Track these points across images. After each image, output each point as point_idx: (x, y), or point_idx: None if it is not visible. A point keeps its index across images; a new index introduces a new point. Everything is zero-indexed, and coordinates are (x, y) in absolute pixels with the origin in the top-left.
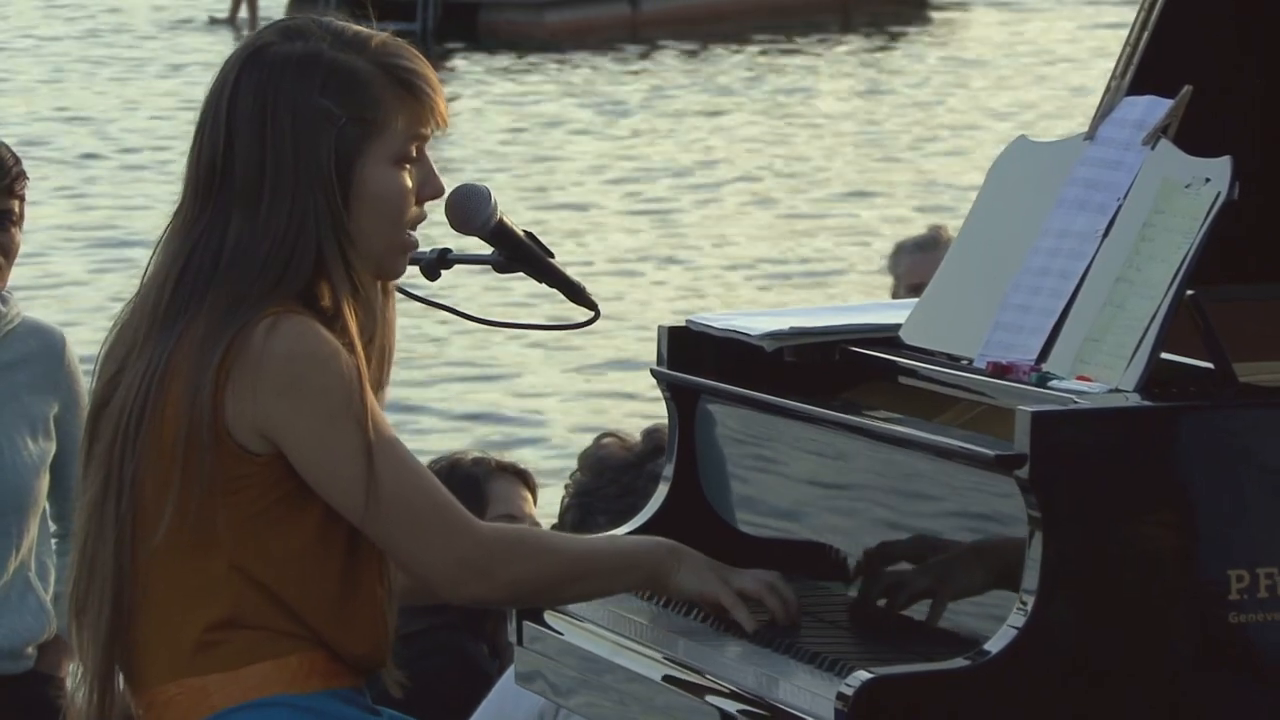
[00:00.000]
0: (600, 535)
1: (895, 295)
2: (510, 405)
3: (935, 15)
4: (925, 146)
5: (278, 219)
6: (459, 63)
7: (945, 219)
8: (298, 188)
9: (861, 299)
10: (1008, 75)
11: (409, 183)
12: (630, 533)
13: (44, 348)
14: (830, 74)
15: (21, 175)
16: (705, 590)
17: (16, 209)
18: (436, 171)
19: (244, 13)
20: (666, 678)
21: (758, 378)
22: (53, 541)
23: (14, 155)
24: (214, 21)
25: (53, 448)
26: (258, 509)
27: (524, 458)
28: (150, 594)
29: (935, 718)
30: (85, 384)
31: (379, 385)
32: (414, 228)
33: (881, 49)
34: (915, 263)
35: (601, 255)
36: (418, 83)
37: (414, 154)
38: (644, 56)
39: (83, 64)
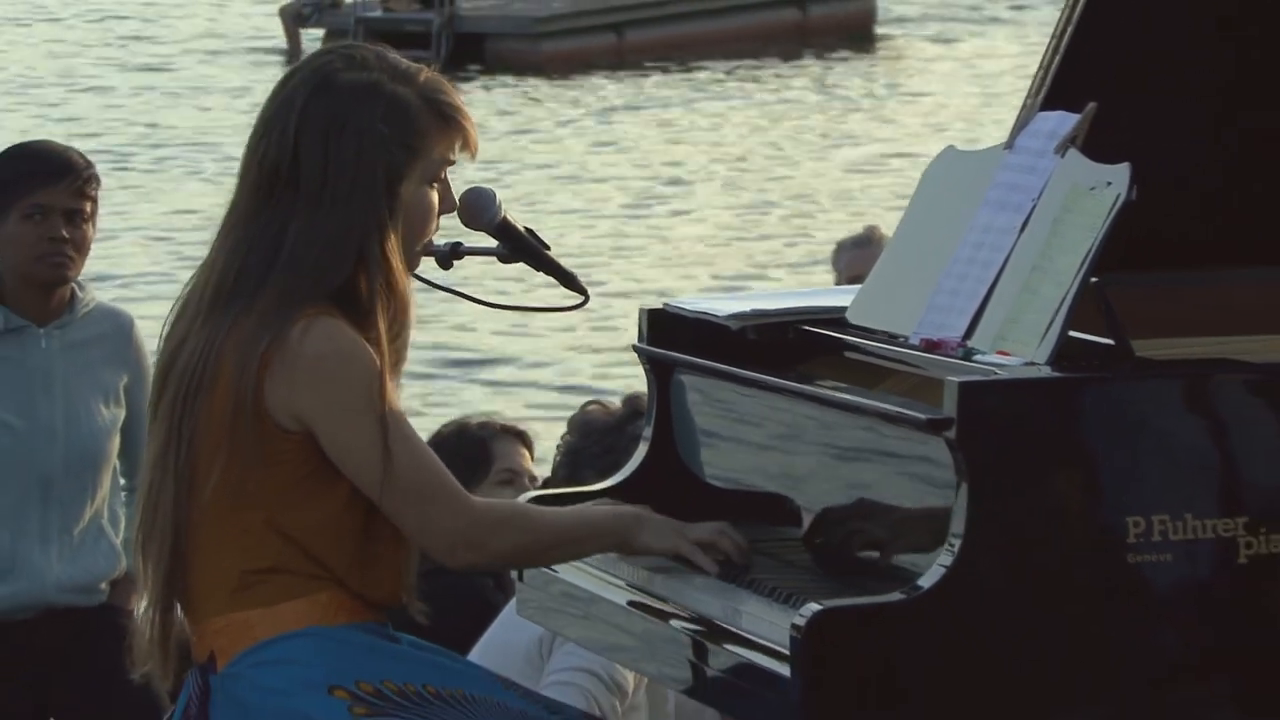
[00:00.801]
0: (578, 507)
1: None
2: (517, 375)
3: (880, 44)
4: (865, 162)
5: (334, 223)
6: (469, 84)
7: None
8: (353, 198)
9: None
10: (945, 97)
11: (436, 200)
12: (613, 486)
13: (115, 328)
14: (786, 94)
15: (93, 178)
16: (666, 546)
17: (88, 209)
18: (452, 189)
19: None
20: (644, 608)
21: (724, 353)
22: (122, 495)
23: (85, 160)
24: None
25: (123, 414)
26: (293, 479)
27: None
28: (201, 540)
29: (876, 644)
30: (150, 360)
31: (399, 361)
32: (432, 235)
33: (830, 72)
34: (854, 258)
35: (591, 248)
36: (456, 117)
37: (442, 176)
38: (627, 80)
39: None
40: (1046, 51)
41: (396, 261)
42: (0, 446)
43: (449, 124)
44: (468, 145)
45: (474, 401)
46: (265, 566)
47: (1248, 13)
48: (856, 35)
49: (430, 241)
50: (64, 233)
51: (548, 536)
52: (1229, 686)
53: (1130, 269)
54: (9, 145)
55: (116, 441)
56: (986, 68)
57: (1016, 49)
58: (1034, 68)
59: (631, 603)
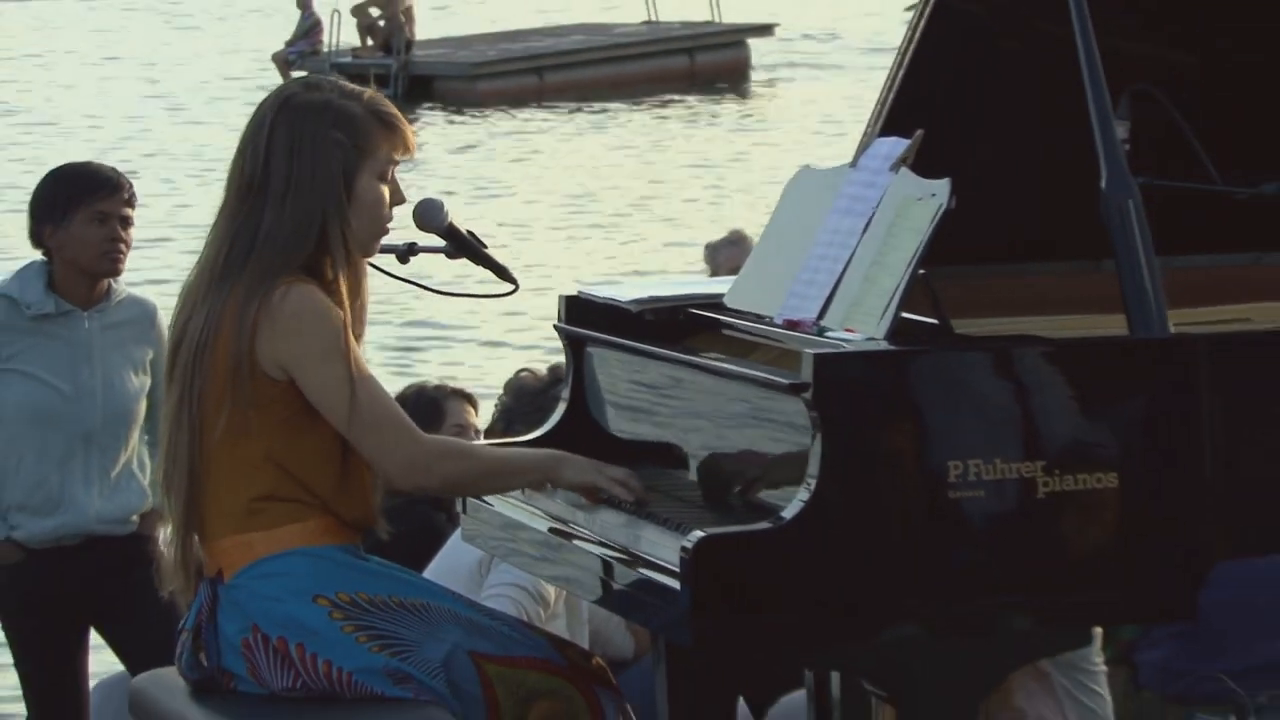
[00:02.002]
0: (511, 448)
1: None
2: (466, 349)
3: (753, 85)
4: (738, 178)
5: (300, 211)
6: (420, 116)
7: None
8: (314, 190)
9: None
10: (803, 125)
11: (386, 193)
12: (539, 437)
13: (142, 313)
14: (676, 124)
15: (134, 194)
16: (587, 480)
17: (132, 217)
18: (401, 186)
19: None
20: (562, 534)
21: (627, 331)
22: (146, 448)
23: (125, 177)
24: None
25: (148, 381)
26: (283, 419)
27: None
28: (211, 476)
29: (748, 562)
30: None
31: (359, 333)
32: (387, 225)
33: (713, 106)
34: (727, 255)
35: (518, 245)
36: (395, 123)
37: (390, 175)
38: (546, 113)
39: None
40: (883, 90)
41: (352, 241)
42: (51, 406)
43: (390, 129)
44: (407, 146)
45: (431, 370)
46: (265, 494)
47: (1039, 52)
48: (734, 78)
49: (387, 229)
50: (120, 236)
51: (483, 466)
52: (1025, 597)
53: (952, 263)
54: (64, 164)
55: (144, 403)
56: (836, 104)
57: (860, 89)
58: (873, 104)
59: (552, 530)
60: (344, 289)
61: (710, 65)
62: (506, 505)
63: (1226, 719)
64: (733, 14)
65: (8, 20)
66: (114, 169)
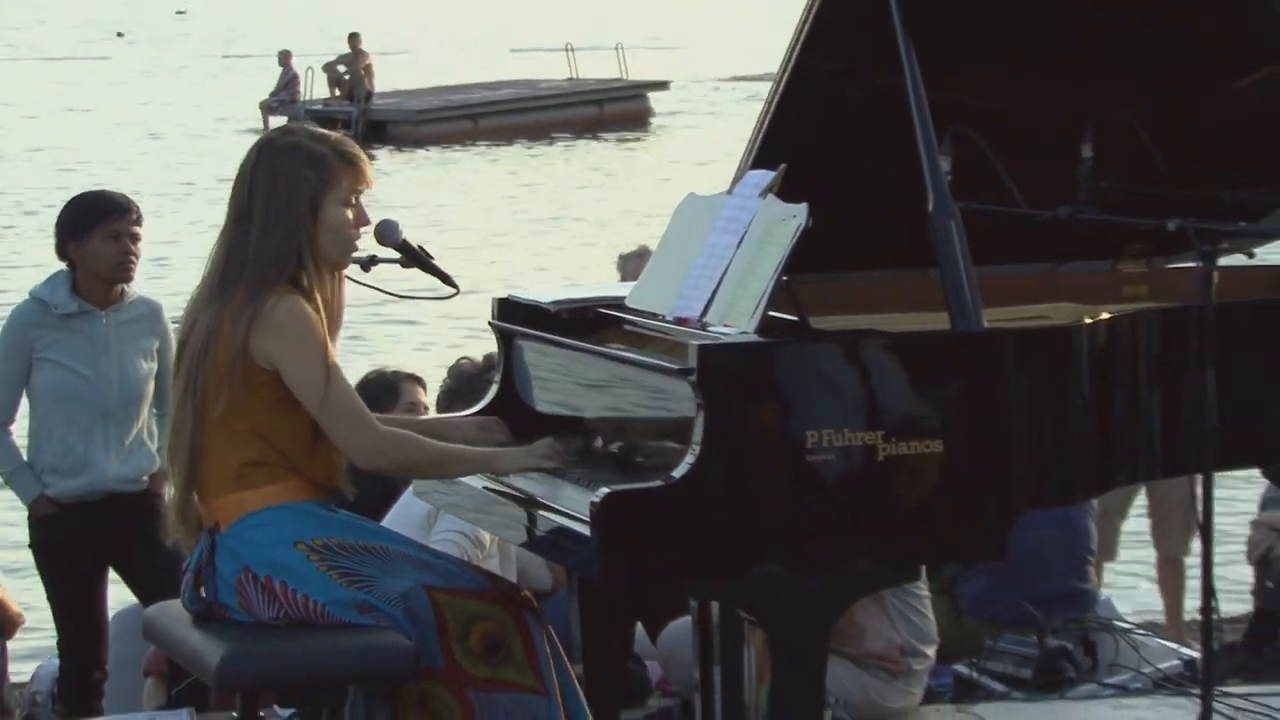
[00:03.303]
0: (456, 441)
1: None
2: (417, 340)
3: (652, 130)
4: (638, 203)
5: (279, 236)
6: (376, 153)
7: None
8: (289, 221)
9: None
10: (692, 161)
11: (351, 216)
12: (476, 412)
13: (150, 310)
14: (586, 161)
15: (141, 215)
16: (520, 468)
17: (140, 234)
18: (365, 211)
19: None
20: (496, 491)
21: (547, 326)
22: (155, 420)
23: (134, 201)
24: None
25: (155, 367)
26: (269, 402)
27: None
28: (209, 446)
29: (645, 513)
30: (171, 332)
31: (335, 329)
32: (355, 243)
33: (618, 147)
34: (634, 266)
35: (457, 256)
36: (355, 160)
37: (354, 201)
38: (480, 152)
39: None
40: (753, 132)
41: (324, 262)
42: (76, 388)
43: (351, 165)
44: (366, 179)
45: (388, 356)
46: (252, 460)
47: (879, 100)
48: (637, 124)
49: (355, 248)
50: (131, 249)
51: (429, 457)
52: (867, 542)
53: (809, 270)
54: (84, 191)
55: (152, 384)
56: (716, 144)
57: (737, 132)
58: (745, 143)
59: (486, 488)
60: (319, 299)
61: (617, 113)
62: None
63: (1029, 638)
64: (637, 72)
65: (45, 76)
66: (124, 195)
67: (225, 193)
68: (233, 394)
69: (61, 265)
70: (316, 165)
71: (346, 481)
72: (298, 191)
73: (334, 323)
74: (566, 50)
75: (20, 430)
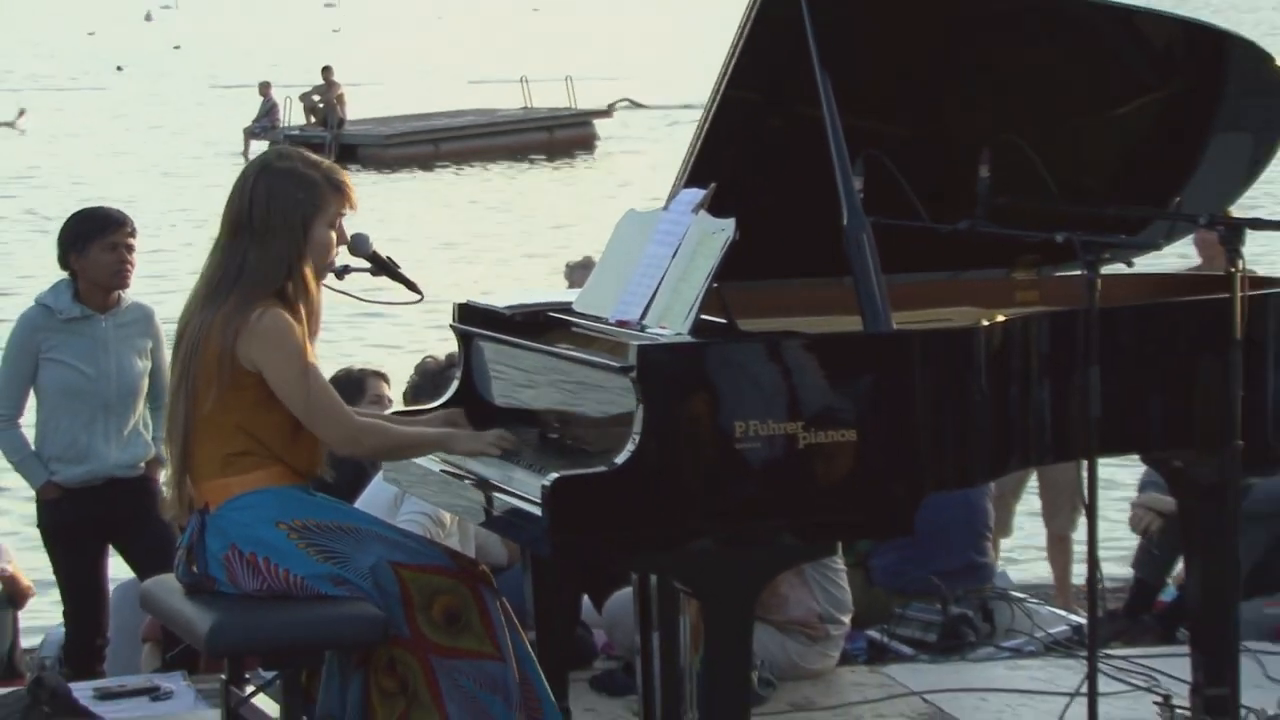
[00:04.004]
0: (419, 424)
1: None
2: (385, 340)
3: (598, 154)
4: (583, 219)
5: (271, 252)
6: (350, 172)
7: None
8: (281, 238)
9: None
10: (634, 182)
11: (334, 237)
12: (438, 405)
13: (143, 315)
14: (537, 180)
15: (135, 228)
16: (472, 449)
17: (134, 245)
18: (344, 230)
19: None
20: (454, 475)
21: (502, 328)
22: (150, 413)
23: (128, 215)
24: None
25: (149, 365)
26: (253, 400)
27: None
28: (200, 437)
29: (589, 496)
30: (163, 333)
31: (314, 330)
32: (334, 258)
33: (566, 169)
34: (581, 274)
35: (421, 266)
36: (343, 186)
37: (338, 222)
38: (440, 173)
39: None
40: (686, 155)
41: (309, 275)
42: (79, 385)
43: (339, 191)
44: (352, 203)
45: (357, 354)
46: (239, 451)
47: (799, 127)
48: (583, 148)
49: (334, 262)
50: (127, 259)
51: (396, 441)
52: (789, 521)
53: (737, 278)
54: (83, 207)
55: (146, 381)
56: (654, 165)
57: (673, 155)
58: (680, 164)
59: (444, 471)
60: (303, 308)
61: (566, 139)
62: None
63: (934, 607)
64: (585, 101)
65: (48, 105)
66: (120, 210)
67: (213, 207)
68: (220, 391)
69: (64, 274)
70: (309, 190)
71: (326, 467)
72: (292, 213)
73: (314, 325)
74: (521, 81)
75: (28, 423)
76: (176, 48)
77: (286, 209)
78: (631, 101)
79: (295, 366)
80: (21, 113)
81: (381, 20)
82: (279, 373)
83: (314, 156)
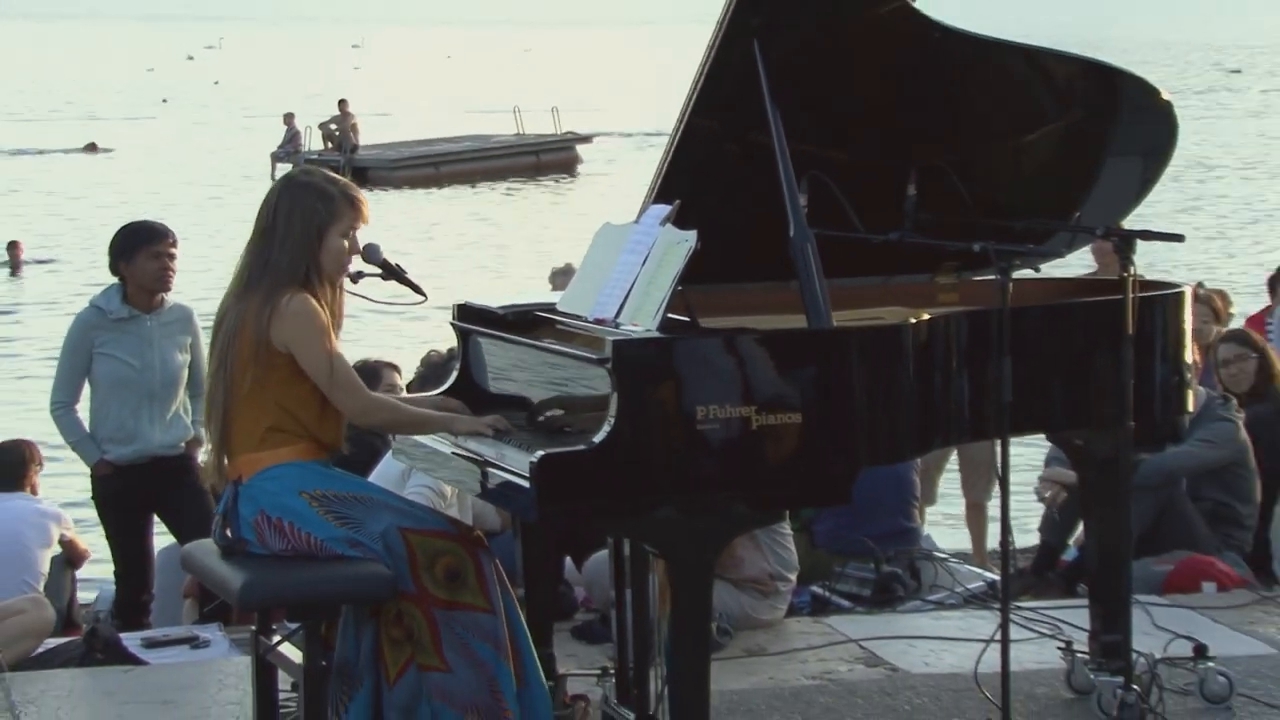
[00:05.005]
0: (426, 405)
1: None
2: (394, 338)
3: (580, 175)
4: (568, 232)
5: (290, 254)
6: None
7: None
8: (300, 242)
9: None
10: (610, 200)
11: (347, 244)
12: (442, 391)
13: (184, 314)
14: (527, 200)
15: (176, 237)
16: (471, 430)
17: (176, 253)
18: (358, 240)
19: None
20: (457, 454)
21: (495, 325)
22: (189, 399)
23: (170, 228)
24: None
25: (188, 358)
26: (285, 377)
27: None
28: (236, 415)
29: (571, 471)
30: (201, 329)
31: (339, 326)
32: (348, 264)
33: (553, 189)
34: (564, 279)
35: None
36: (356, 201)
37: (351, 233)
38: (442, 193)
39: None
40: (654, 175)
41: (323, 273)
42: (127, 376)
43: (353, 205)
44: (364, 217)
45: (372, 346)
46: (272, 426)
47: (752, 151)
48: (568, 169)
49: (348, 267)
50: (169, 266)
51: (405, 419)
52: (743, 492)
53: (698, 281)
54: (130, 221)
55: (186, 372)
56: (629, 185)
57: (645, 176)
58: (647, 181)
59: (446, 450)
60: (327, 298)
61: (552, 161)
62: (423, 436)
63: (868, 566)
64: (570, 128)
65: (100, 134)
66: (163, 223)
67: (244, 217)
68: (258, 372)
69: (114, 280)
70: (327, 202)
71: (345, 443)
72: (310, 221)
73: (336, 324)
74: (514, 111)
75: (83, 409)
76: (216, 83)
77: (306, 218)
78: (574, 133)
79: (320, 343)
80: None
81: (398, 59)
82: (307, 349)
83: (334, 175)
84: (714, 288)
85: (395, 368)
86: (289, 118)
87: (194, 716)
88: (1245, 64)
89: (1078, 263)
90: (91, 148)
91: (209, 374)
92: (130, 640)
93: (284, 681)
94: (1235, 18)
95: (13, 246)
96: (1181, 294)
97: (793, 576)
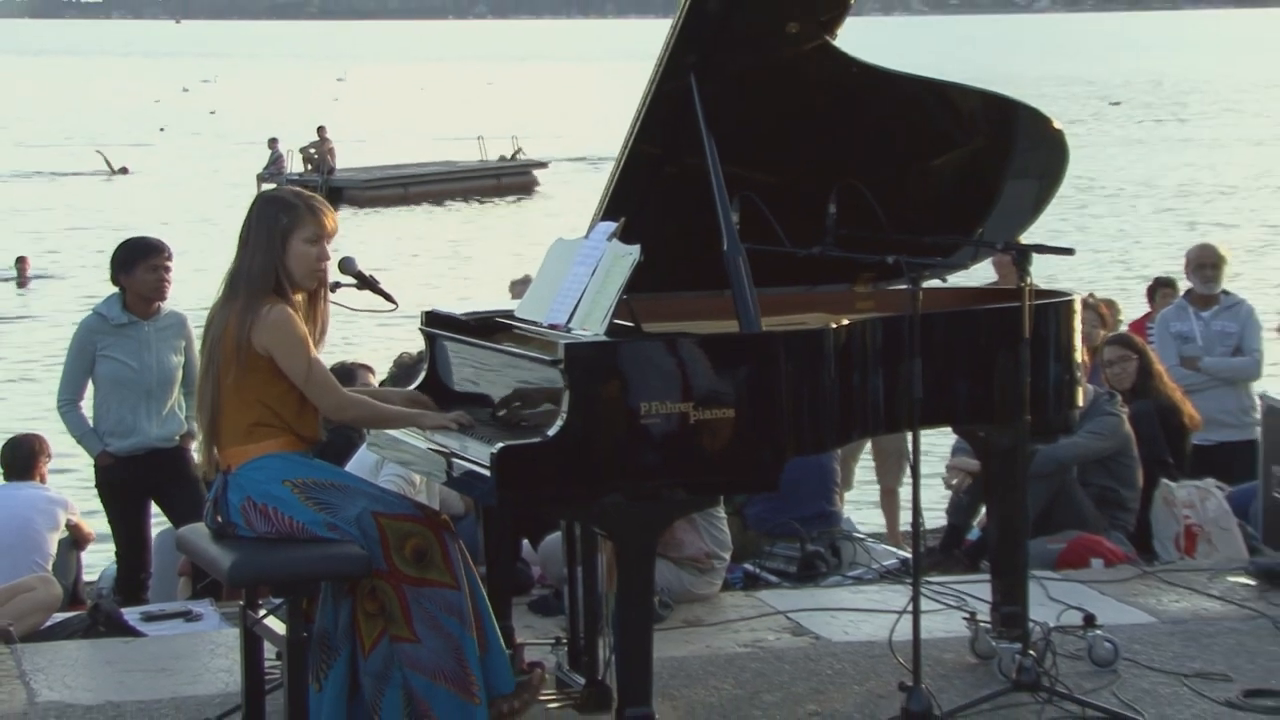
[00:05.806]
0: (396, 405)
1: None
2: (368, 341)
3: (537, 195)
4: (528, 246)
5: (259, 260)
6: (338, 211)
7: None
8: (267, 249)
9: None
10: (565, 217)
11: (313, 252)
12: (412, 389)
13: (178, 320)
14: (489, 217)
15: (171, 252)
16: (436, 425)
17: (170, 265)
18: (326, 250)
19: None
20: (425, 446)
21: (459, 331)
22: (183, 397)
23: (166, 243)
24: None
25: (182, 360)
26: (266, 378)
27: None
28: (224, 411)
29: (527, 461)
30: (194, 333)
31: (322, 335)
32: (317, 270)
33: (513, 207)
34: (521, 288)
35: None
36: (318, 211)
37: (317, 241)
38: (410, 210)
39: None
40: (602, 195)
41: (289, 278)
42: (127, 376)
43: (314, 213)
44: (325, 226)
45: (348, 349)
46: (255, 421)
47: (689, 173)
48: (525, 191)
49: (320, 274)
50: (165, 277)
51: (376, 414)
52: (682, 479)
53: (641, 290)
54: (130, 236)
55: (180, 373)
56: (580, 205)
57: (595, 197)
58: (597, 202)
59: (415, 442)
60: (302, 306)
61: (512, 184)
62: (394, 430)
63: (794, 545)
64: (527, 154)
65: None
66: (159, 239)
67: (232, 232)
68: (239, 370)
69: (115, 289)
70: (290, 211)
71: (323, 433)
72: (275, 229)
73: (321, 331)
74: (478, 139)
75: (86, 406)
76: (212, 113)
77: (270, 227)
78: (523, 151)
79: (298, 347)
80: (111, 164)
81: (377, 91)
82: (286, 354)
83: (303, 190)
84: (655, 296)
85: (370, 369)
86: (273, 142)
87: (188, 683)
88: (1125, 97)
89: (980, 274)
90: (124, 170)
91: (199, 371)
92: (130, 614)
93: (269, 651)
94: (1113, 57)
95: (20, 261)
96: (1072, 302)
97: (727, 555)
